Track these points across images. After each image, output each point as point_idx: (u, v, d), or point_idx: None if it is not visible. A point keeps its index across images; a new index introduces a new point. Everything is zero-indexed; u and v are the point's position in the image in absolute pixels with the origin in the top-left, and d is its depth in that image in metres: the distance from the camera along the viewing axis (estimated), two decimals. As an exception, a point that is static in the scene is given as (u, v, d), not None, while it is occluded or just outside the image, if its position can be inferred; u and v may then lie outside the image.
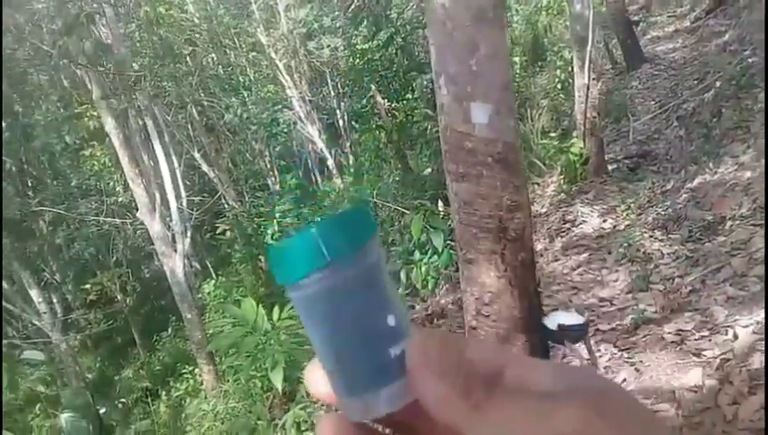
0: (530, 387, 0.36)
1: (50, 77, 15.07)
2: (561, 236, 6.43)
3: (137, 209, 8.91)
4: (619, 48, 11.01)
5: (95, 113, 9.52)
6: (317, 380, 0.40)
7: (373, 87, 12.18)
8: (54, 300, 13.30)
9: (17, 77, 14.37)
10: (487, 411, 0.34)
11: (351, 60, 12.42)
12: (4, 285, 11.31)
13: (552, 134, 9.03)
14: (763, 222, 4.52)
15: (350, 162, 14.06)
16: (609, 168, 7.62)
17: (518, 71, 10.35)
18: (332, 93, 14.35)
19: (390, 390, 0.37)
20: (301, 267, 0.36)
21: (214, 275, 13.14)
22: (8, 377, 4.63)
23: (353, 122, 14.76)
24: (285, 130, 14.44)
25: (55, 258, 13.60)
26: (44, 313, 10.98)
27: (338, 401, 0.38)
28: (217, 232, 13.05)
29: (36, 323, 10.85)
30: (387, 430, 0.41)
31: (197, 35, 12.74)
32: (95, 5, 8.84)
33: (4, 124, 13.86)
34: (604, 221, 6.37)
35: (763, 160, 5.19)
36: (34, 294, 11.03)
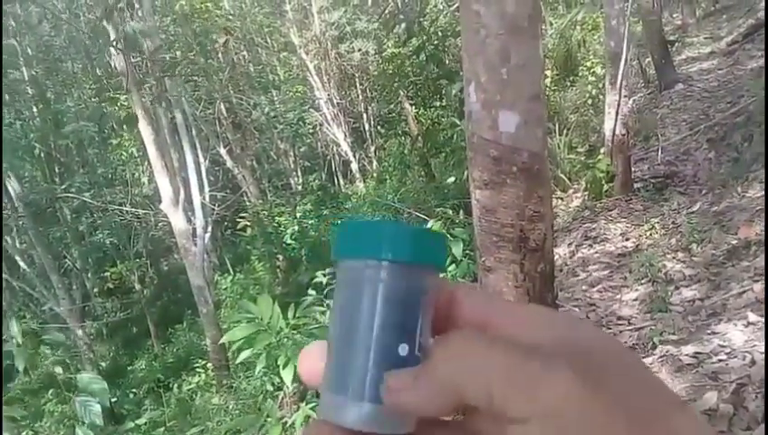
0: (516, 338, 0.34)
1: (83, 66, 15.32)
2: (583, 252, 6.36)
3: (160, 201, 8.98)
4: (653, 67, 10.89)
5: (125, 103, 9.63)
6: (311, 361, 0.39)
7: (401, 93, 12.19)
8: (74, 287, 13.47)
9: (52, 64, 14.63)
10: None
11: (381, 65, 12.45)
12: (26, 267, 11.48)
13: (580, 149, 8.96)
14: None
15: (374, 167, 14.08)
16: (636, 186, 7.52)
17: (549, 84, 10.28)
18: (360, 97, 14.37)
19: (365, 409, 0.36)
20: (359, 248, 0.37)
21: (231, 272, 13.21)
22: (28, 359, 4.67)
23: (379, 127, 14.79)
24: (311, 132, 14.51)
25: (77, 245, 13.76)
26: (63, 298, 11.12)
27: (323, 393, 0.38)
28: (237, 228, 13.12)
29: (54, 308, 10.97)
30: None
31: (231, 32, 12.85)
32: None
33: (35, 110, 14.12)
34: (627, 239, 6.28)
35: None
36: (54, 279, 11.16)
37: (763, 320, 3.86)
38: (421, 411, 0.35)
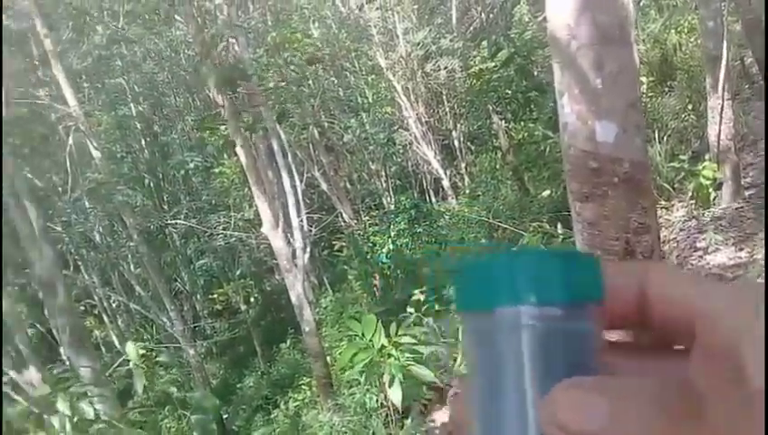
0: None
1: (185, 99, 16.22)
2: (692, 264, 6.11)
3: (261, 225, 9.33)
4: (756, 66, 10.34)
5: (225, 133, 10.13)
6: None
7: (490, 108, 12.15)
8: (185, 308, 14.20)
9: (156, 99, 15.59)
10: None
11: (468, 81, 12.47)
12: (141, 291, 12.20)
13: (682, 157, 8.62)
14: None
15: (466, 183, 14.05)
16: (746, 193, 7.15)
17: (645, 91, 9.96)
18: (448, 115, 14.42)
19: None
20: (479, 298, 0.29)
21: (330, 291, 13.49)
22: (145, 378, 4.98)
23: (469, 143, 14.77)
24: (401, 151, 14.69)
25: (186, 269, 14.49)
26: (175, 320, 11.73)
27: None
28: (335, 249, 13.41)
29: (168, 329, 11.60)
30: None
31: (320, 60, 13.25)
32: (227, 31, 9.46)
33: (144, 143, 15.06)
34: (740, 250, 5.98)
35: None
36: (167, 302, 11.80)
37: None
38: None
